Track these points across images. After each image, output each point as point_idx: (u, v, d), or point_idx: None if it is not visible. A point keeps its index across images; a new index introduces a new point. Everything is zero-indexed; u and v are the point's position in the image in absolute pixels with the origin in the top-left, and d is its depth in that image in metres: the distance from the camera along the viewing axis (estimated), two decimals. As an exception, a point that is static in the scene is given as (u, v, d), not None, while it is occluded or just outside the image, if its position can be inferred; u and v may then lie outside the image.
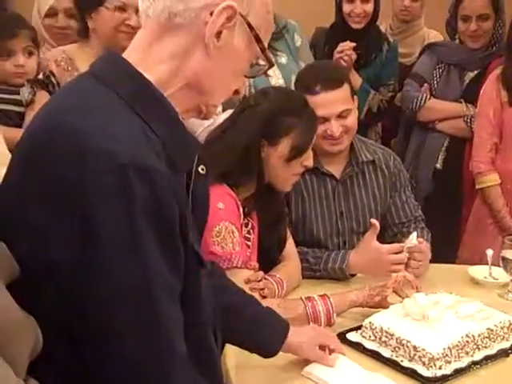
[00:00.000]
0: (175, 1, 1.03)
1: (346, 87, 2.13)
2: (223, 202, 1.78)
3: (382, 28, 3.52)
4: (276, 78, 2.71)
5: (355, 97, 2.20)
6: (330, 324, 1.75)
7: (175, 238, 0.99)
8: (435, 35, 3.40)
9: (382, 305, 1.81)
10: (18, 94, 2.17)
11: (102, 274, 0.93)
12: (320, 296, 1.77)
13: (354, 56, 2.92)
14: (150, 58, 1.05)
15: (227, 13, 1.03)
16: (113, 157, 0.92)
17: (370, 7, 2.98)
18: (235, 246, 1.76)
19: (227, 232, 1.75)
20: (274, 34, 2.70)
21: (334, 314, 1.75)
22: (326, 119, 2.11)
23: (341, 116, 2.12)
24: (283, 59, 2.76)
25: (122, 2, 2.25)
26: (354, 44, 2.91)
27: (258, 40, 1.08)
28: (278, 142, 1.83)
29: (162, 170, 0.96)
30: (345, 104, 2.12)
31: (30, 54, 2.19)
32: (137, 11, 2.23)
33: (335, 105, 2.10)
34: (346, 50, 2.91)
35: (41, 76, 2.26)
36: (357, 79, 3.00)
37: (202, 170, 1.10)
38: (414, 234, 2.05)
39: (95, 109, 1.00)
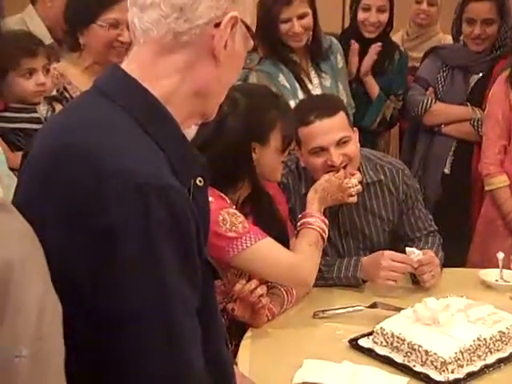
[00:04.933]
0: (180, 21, 1.03)
1: (342, 114, 2.07)
2: (210, 195, 1.77)
3: (399, 35, 3.56)
4: None
5: (355, 129, 2.14)
6: None
7: (193, 255, 1.00)
8: (451, 40, 3.37)
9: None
10: (35, 111, 2.18)
11: (122, 294, 0.93)
12: None
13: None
14: (154, 74, 1.05)
15: (231, 23, 1.05)
16: (130, 177, 0.93)
17: (384, 17, 3.00)
18: (244, 223, 1.78)
19: (230, 216, 1.78)
20: (322, 53, 2.73)
21: None
22: (324, 149, 2.04)
23: (339, 144, 2.04)
24: (328, 82, 2.76)
25: (115, 19, 2.27)
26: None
27: (253, 36, 1.11)
28: (268, 139, 1.84)
29: (178, 187, 0.97)
30: (342, 131, 2.05)
31: (48, 71, 2.21)
32: (128, 26, 2.27)
33: (332, 132, 2.03)
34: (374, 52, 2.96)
35: (54, 92, 2.28)
36: (375, 87, 3.01)
37: (200, 181, 1.11)
38: (409, 249, 2.04)
39: (106, 127, 1.01)
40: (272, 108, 1.86)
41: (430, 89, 3.01)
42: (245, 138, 1.82)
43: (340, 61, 2.82)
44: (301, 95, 2.65)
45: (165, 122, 1.04)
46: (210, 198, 1.72)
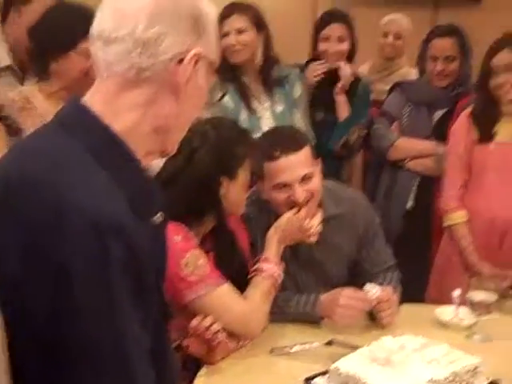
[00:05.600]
0: (143, 57, 1.03)
1: (306, 149, 2.06)
2: (178, 233, 1.79)
3: (365, 67, 3.60)
4: (266, 123, 2.74)
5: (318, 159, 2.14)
6: None
7: (148, 295, 1.00)
8: (416, 74, 3.41)
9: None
10: None
11: (75, 330, 0.93)
12: None
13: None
14: (115, 109, 1.05)
15: (195, 59, 1.06)
16: (87, 214, 0.93)
17: (345, 46, 3.02)
18: (206, 267, 1.81)
19: (194, 259, 1.79)
20: (276, 81, 2.77)
21: None
22: (287, 185, 2.03)
23: (304, 180, 2.03)
24: (279, 107, 2.79)
25: None
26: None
27: (217, 71, 1.13)
28: (237, 173, 1.86)
29: (134, 225, 0.97)
30: (307, 167, 2.04)
31: None
32: None
33: (297, 169, 2.02)
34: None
35: None
36: (345, 107, 3.00)
37: (159, 217, 1.10)
38: (367, 286, 2.05)
39: (65, 162, 1.00)
40: (241, 143, 1.88)
41: (395, 123, 3.05)
42: (214, 172, 1.83)
43: (298, 91, 2.86)
44: (244, 115, 2.71)
45: (124, 157, 1.04)
46: (178, 237, 1.77)
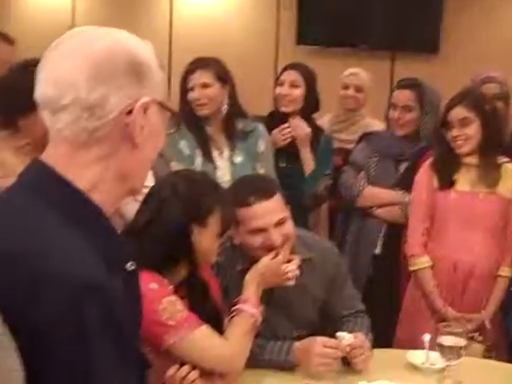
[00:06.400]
0: (92, 119, 1.03)
1: (278, 196, 2.14)
2: (154, 281, 1.82)
3: (328, 117, 3.70)
4: (223, 172, 2.82)
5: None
6: None
7: (128, 347, 1.01)
8: (378, 124, 3.55)
9: None
10: None
11: None
12: None
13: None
14: (75, 168, 1.06)
15: (143, 108, 1.07)
16: (63, 279, 0.95)
17: (298, 92, 3.10)
18: (183, 312, 1.84)
19: (171, 305, 1.82)
20: (241, 133, 2.85)
21: None
22: (263, 230, 2.10)
23: (278, 224, 2.10)
24: (239, 158, 2.87)
25: None
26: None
27: (168, 109, 1.14)
28: (207, 222, 1.90)
29: (110, 283, 0.99)
30: (280, 212, 2.12)
31: None
32: None
33: (271, 214, 2.10)
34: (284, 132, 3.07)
35: None
36: (311, 162, 3.10)
37: (131, 265, 1.11)
38: (340, 334, 2.09)
39: (36, 228, 1.01)
40: (210, 193, 1.93)
41: (362, 173, 3.14)
42: (184, 221, 1.87)
43: (261, 145, 2.93)
44: (199, 163, 2.80)
45: (91, 212, 1.05)
46: (154, 284, 1.80)
